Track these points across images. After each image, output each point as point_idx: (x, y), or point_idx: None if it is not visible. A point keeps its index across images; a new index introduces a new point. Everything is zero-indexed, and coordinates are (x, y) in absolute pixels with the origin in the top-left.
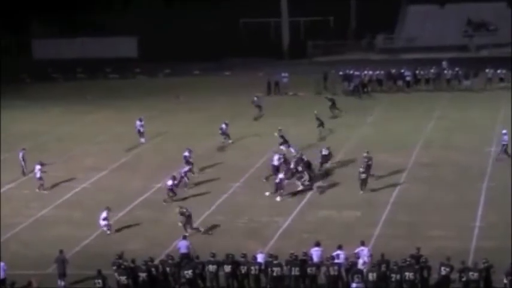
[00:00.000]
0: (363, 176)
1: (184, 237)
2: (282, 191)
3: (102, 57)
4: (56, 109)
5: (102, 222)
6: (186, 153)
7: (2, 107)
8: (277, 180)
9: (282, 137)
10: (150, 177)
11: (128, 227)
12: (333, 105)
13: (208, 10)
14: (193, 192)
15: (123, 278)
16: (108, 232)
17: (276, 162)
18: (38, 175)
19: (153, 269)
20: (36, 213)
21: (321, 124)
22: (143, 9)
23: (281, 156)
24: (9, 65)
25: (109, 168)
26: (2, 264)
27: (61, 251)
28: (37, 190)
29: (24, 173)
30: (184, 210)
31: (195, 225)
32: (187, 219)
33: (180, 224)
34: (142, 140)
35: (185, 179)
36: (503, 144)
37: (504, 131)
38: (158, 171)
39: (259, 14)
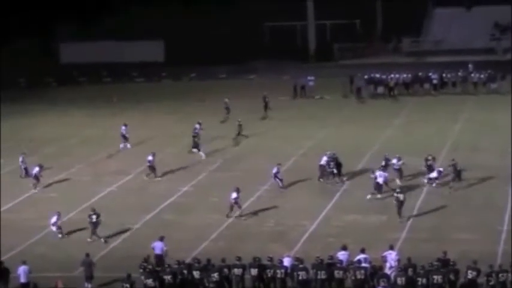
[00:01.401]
0: (401, 197)
1: (161, 239)
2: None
3: (129, 61)
4: (81, 112)
5: (52, 228)
6: (150, 158)
7: (27, 111)
8: (379, 181)
9: (195, 139)
10: (175, 181)
11: (155, 230)
12: (266, 105)
13: (235, 14)
14: (220, 196)
15: (149, 281)
16: (60, 236)
17: (323, 162)
18: (34, 175)
19: (180, 272)
20: (63, 216)
21: (239, 133)
22: (170, 14)
23: (330, 156)
24: (36, 69)
25: (135, 171)
26: (25, 267)
27: (87, 254)
28: (33, 189)
29: (22, 176)
30: (92, 213)
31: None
32: (95, 225)
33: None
34: (123, 145)
35: (276, 180)
36: None
37: None
38: (184, 174)
39: (285, 17)
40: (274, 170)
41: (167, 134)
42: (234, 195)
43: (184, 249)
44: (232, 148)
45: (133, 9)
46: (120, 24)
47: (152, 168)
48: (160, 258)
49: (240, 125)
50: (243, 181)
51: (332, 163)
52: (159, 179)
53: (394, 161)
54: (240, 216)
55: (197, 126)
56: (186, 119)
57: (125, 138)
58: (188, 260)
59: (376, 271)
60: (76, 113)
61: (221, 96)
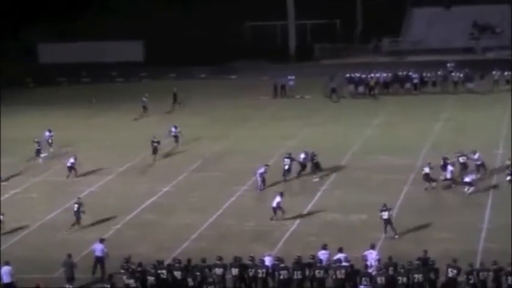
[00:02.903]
0: (385, 215)
1: (101, 241)
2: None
3: (108, 62)
4: (60, 113)
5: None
6: (72, 160)
7: (6, 111)
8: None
9: (38, 145)
10: (156, 181)
11: (136, 230)
12: (175, 99)
13: (215, 13)
14: (200, 196)
15: (131, 282)
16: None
17: (301, 160)
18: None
19: (161, 273)
20: (43, 217)
21: (155, 150)
22: (150, 13)
23: (307, 153)
24: (14, 70)
25: (115, 172)
26: (7, 268)
27: (69, 255)
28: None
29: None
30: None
31: None
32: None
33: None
34: (45, 154)
35: (259, 179)
36: None
37: None
38: (165, 174)
39: (265, 17)
40: (261, 170)
41: (147, 134)
42: (278, 199)
43: (166, 249)
44: (212, 148)
45: (112, 9)
46: (99, 24)
47: (72, 168)
48: (100, 261)
49: (153, 141)
50: (223, 181)
51: (287, 159)
52: (78, 179)
53: (476, 156)
54: (284, 219)
55: (173, 129)
56: (166, 120)
57: (49, 144)
58: (169, 261)
59: (355, 270)
60: (55, 113)
61: (201, 96)
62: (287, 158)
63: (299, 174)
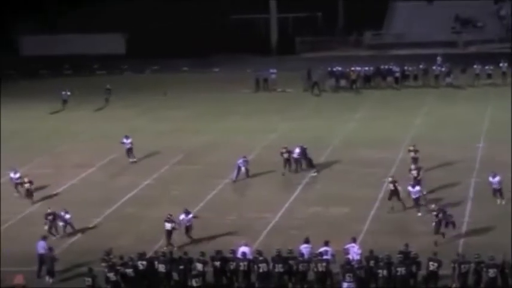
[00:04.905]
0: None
1: (44, 238)
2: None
3: (90, 54)
4: (42, 106)
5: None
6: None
7: None
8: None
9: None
10: (137, 174)
11: (117, 223)
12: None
13: (197, 6)
14: (182, 189)
15: (111, 275)
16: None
17: (296, 155)
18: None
19: (140, 265)
20: (24, 209)
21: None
22: (131, 6)
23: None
24: None
25: (97, 164)
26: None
27: (50, 249)
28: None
29: None
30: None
31: None
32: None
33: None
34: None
35: (239, 171)
36: None
37: None
38: (145, 167)
39: (248, 10)
40: (240, 161)
41: (128, 128)
42: (182, 216)
43: (147, 242)
44: (194, 142)
45: (95, 1)
46: (81, 16)
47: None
48: (42, 257)
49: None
50: (204, 174)
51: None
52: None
53: (490, 178)
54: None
55: (125, 140)
56: (147, 112)
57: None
58: (150, 253)
59: (346, 263)
60: (37, 106)
61: (184, 89)
62: (286, 151)
63: (296, 169)
